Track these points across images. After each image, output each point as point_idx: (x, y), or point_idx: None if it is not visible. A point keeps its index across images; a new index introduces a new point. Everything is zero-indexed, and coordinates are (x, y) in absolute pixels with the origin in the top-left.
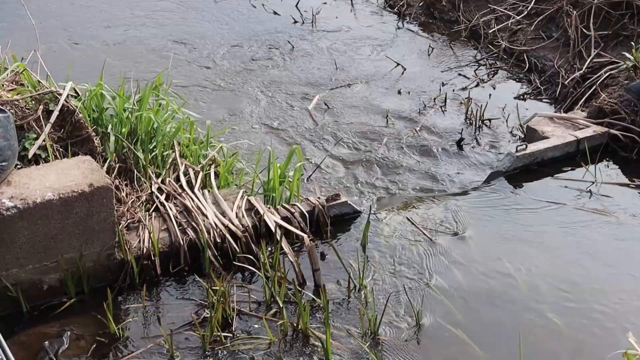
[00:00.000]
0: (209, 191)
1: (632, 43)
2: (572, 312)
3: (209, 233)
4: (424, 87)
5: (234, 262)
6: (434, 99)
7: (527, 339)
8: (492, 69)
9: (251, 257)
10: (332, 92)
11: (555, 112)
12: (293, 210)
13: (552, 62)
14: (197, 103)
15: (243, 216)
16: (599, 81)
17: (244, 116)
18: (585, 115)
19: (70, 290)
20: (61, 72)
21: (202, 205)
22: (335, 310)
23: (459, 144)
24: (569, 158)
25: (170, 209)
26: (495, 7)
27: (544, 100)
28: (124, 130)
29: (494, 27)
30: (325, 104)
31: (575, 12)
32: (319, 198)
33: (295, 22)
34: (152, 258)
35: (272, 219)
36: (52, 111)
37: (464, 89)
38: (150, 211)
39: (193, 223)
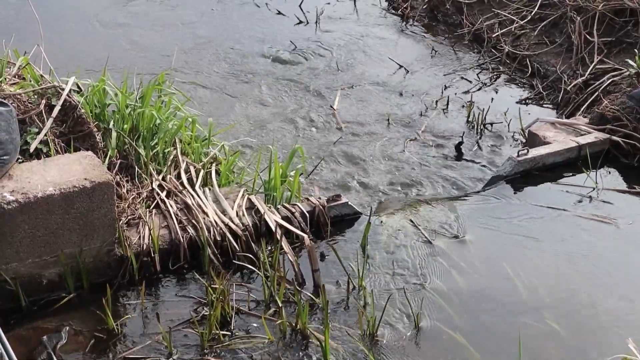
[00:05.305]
0: (209, 189)
1: (635, 50)
2: (571, 317)
3: (209, 231)
4: (426, 89)
5: (234, 261)
6: (436, 101)
7: (526, 344)
8: (495, 73)
9: (251, 256)
10: (335, 92)
11: (557, 117)
12: (293, 210)
13: (555, 67)
14: (198, 101)
15: (243, 215)
16: (602, 88)
17: (247, 116)
18: (587, 122)
19: (70, 285)
20: (64, 67)
21: (203, 203)
22: (334, 311)
23: (458, 147)
24: (570, 164)
25: (171, 206)
26: (499, 11)
27: (545, 105)
28: (125, 126)
29: (498, 32)
30: (331, 106)
31: (579, 18)
32: (319, 198)
33: (300, 22)
34: (152, 255)
35: (272, 218)
36: (55, 106)
37: (466, 92)
38: (151, 208)
39: (193, 221)
